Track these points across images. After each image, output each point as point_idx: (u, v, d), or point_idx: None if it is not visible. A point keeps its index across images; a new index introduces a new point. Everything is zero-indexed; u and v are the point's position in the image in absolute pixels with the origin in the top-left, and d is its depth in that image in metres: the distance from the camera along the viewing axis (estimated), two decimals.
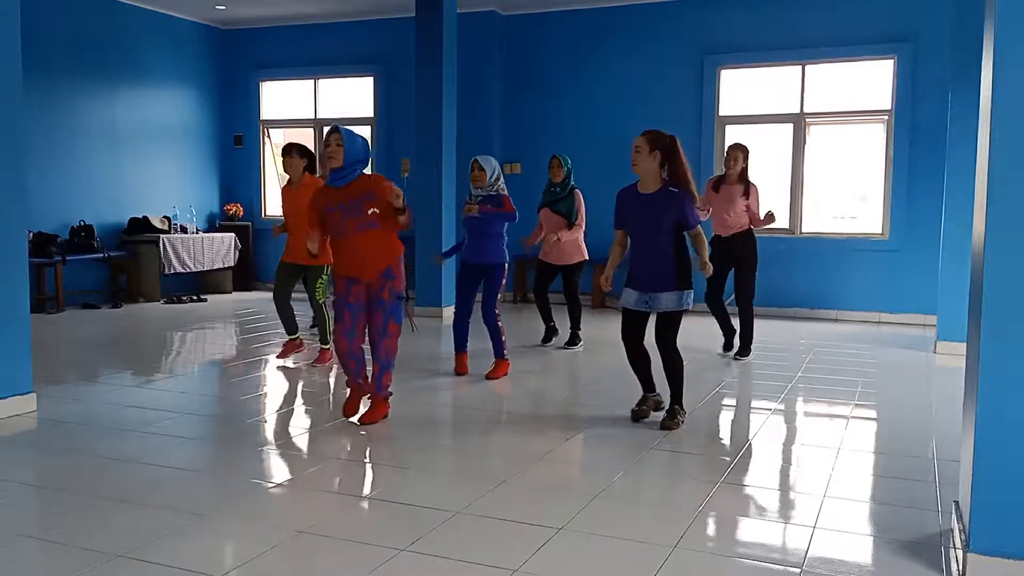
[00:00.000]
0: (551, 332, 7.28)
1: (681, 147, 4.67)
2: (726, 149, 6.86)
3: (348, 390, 4.89)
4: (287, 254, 6.36)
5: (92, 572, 2.81)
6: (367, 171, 4.76)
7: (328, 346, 6.40)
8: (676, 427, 4.66)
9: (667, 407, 4.80)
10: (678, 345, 4.75)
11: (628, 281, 4.72)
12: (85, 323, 8.48)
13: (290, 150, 6.38)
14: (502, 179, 5.95)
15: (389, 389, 4.84)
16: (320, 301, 6.38)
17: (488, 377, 5.89)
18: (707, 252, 4.79)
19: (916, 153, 8.76)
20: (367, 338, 4.80)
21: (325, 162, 4.60)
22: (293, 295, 6.42)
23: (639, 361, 4.82)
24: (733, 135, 9.59)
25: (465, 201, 6.03)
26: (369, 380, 4.84)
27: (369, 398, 4.83)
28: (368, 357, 4.84)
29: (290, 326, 6.43)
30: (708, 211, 6.64)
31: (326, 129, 5.00)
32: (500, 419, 5.01)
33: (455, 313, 6.09)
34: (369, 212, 4.60)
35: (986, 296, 2.75)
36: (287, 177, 6.47)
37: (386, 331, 4.72)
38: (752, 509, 3.57)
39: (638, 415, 4.82)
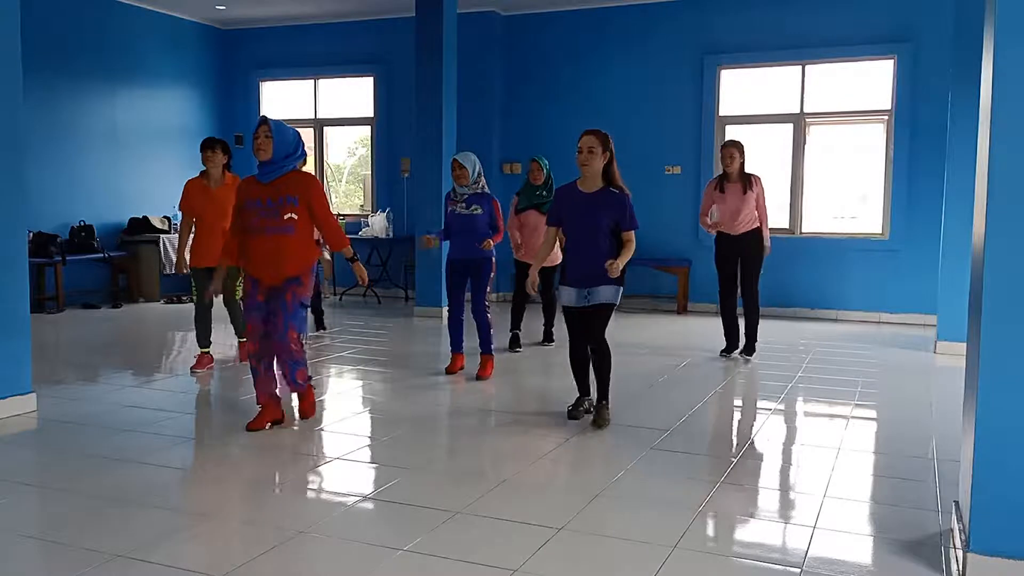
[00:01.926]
0: (517, 340, 7.09)
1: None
2: (721, 147, 6.80)
3: (260, 404, 4.64)
4: (200, 258, 6.02)
5: (92, 572, 2.81)
6: (304, 167, 4.63)
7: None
8: (607, 424, 4.66)
9: (594, 404, 4.80)
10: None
11: (564, 279, 4.72)
12: (85, 323, 8.48)
13: (213, 145, 6.03)
14: (483, 176, 6.02)
15: (309, 381, 4.71)
16: (238, 299, 6.06)
17: (479, 377, 5.87)
18: (628, 259, 4.63)
19: (916, 153, 8.75)
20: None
21: (255, 154, 4.44)
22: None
23: (581, 361, 4.84)
24: (733, 135, 9.59)
25: (448, 198, 6.05)
26: (278, 397, 4.66)
27: (298, 399, 4.76)
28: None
29: (207, 338, 6.16)
30: (712, 214, 6.64)
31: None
32: (499, 419, 5.01)
33: (449, 313, 6.10)
34: (286, 217, 4.42)
35: (986, 296, 2.75)
36: (213, 173, 6.12)
37: (286, 336, 4.46)
38: (752, 509, 3.57)
39: (574, 415, 4.84)
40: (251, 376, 4.63)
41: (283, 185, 4.46)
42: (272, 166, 4.43)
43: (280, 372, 4.62)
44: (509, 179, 10.40)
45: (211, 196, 6.05)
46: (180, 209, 6.16)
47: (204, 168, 6.17)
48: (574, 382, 4.91)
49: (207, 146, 6.07)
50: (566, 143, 9.39)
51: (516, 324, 7.10)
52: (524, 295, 7.10)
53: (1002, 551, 2.71)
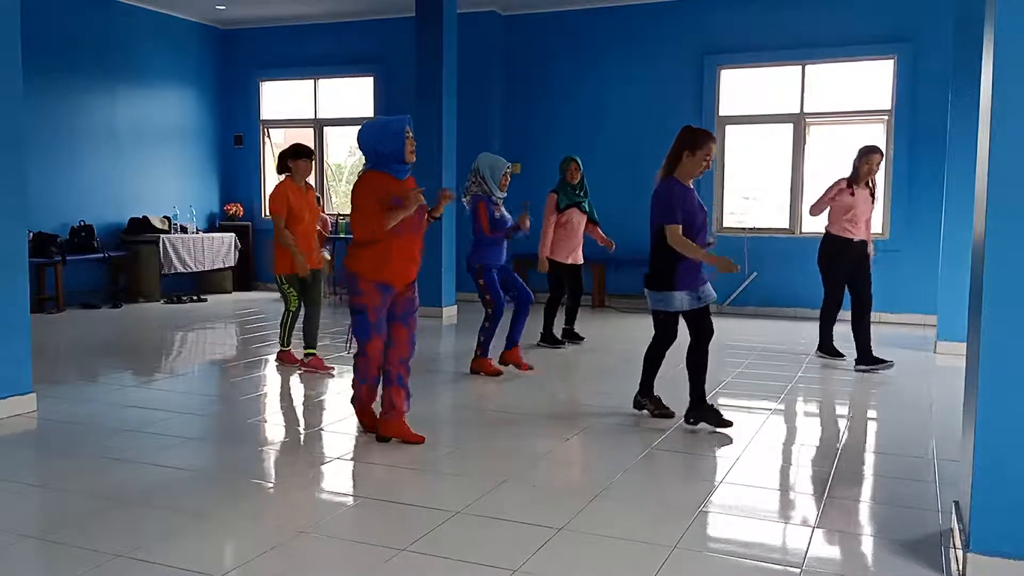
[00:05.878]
0: (563, 339, 7.33)
1: None
2: (867, 152, 6.54)
3: (358, 406, 4.53)
4: (309, 261, 6.03)
5: (92, 572, 2.81)
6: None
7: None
8: None
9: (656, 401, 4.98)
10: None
11: (675, 285, 4.53)
12: (85, 323, 8.48)
13: (310, 153, 6.08)
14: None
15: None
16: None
17: (526, 368, 6.17)
18: None
19: (916, 153, 8.76)
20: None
21: (408, 157, 4.22)
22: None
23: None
24: (733, 135, 9.61)
25: (491, 201, 6.03)
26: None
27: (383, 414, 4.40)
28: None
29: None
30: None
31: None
32: (500, 419, 5.01)
33: (507, 311, 6.16)
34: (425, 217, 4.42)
35: (986, 296, 2.75)
36: (295, 178, 6.08)
37: (415, 342, 4.42)
38: (752, 509, 3.57)
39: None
40: (371, 381, 4.41)
41: (411, 183, 4.31)
42: (410, 165, 4.31)
43: (398, 384, 4.37)
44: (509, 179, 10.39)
45: (308, 200, 6.09)
46: (276, 212, 5.91)
47: (289, 173, 6.05)
48: (639, 382, 5.01)
49: (302, 154, 6.03)
50: (566, 143, 9.45)
51: (549, 324, 7.22)
52: (560, 297, 7.22)
53: (1002, 551, 2.71)
